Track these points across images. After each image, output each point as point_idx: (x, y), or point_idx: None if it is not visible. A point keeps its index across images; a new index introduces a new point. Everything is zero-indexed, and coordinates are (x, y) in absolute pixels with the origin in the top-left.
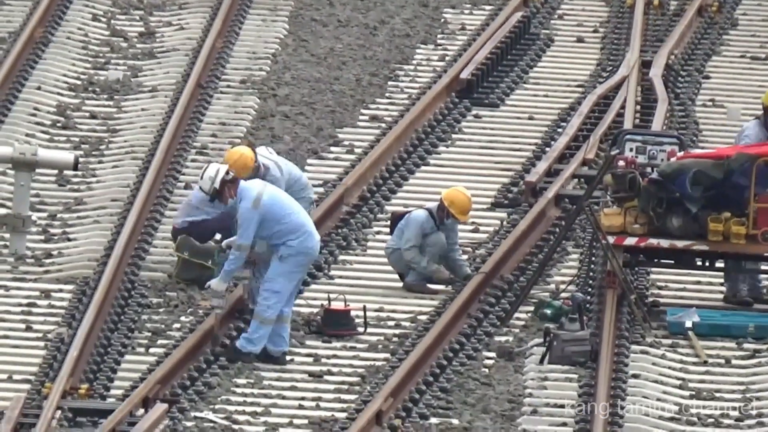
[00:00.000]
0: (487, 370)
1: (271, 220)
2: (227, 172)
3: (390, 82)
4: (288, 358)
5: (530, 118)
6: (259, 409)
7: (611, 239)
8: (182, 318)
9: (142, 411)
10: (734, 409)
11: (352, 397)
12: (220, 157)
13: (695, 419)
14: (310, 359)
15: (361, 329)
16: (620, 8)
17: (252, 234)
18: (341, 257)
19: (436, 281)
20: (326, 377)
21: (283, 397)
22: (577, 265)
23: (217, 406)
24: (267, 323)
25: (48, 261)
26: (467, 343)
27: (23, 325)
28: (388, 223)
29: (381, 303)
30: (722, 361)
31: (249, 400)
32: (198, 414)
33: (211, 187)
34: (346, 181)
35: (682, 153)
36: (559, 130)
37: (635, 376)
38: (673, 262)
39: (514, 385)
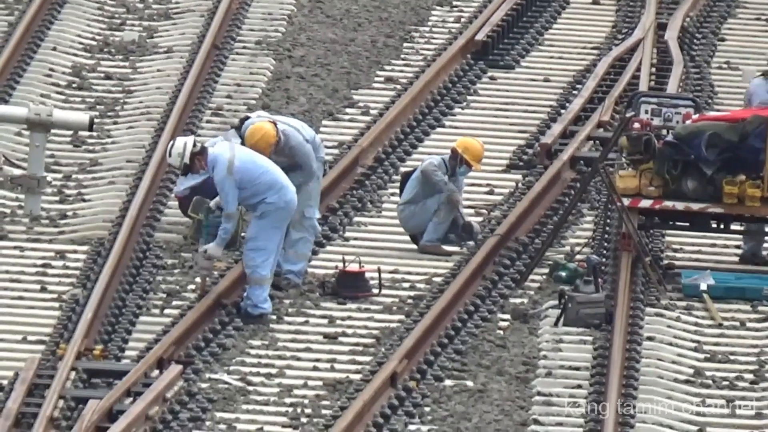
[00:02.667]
0: (501, 332)
1: (247, 181)
2: (194, 144)
3: (405, 44)
4: (303, 319)
5: (546, 80)
6: (273, 371)
7: (626, 201)
8: (197, 279)
9: (156, 372)
10: (749, 371)
11: (367, 358)
12: (236, 118)
13: (710, 382)
14: (325, 321)
15: (375, 291)
16: None
17: (234, 199)
18: (356, 219)
19: (453, 205)
20: (341, 339)
21: (298, 359)
22: (592, 228)
23: (231, 368)
24: (264, 282)
25: (63, 222)
26: (482, 305)
27: (38, 286)
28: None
29: (396, 265)
30: (737, 323)
31: (263, 361)
32: (213, 375)
33: (181, 162)
34: (361, 142)
35: (697, 115)
36: (575, 92)
37: (650, 339)
38: (688, 224)
39: (528, 347)
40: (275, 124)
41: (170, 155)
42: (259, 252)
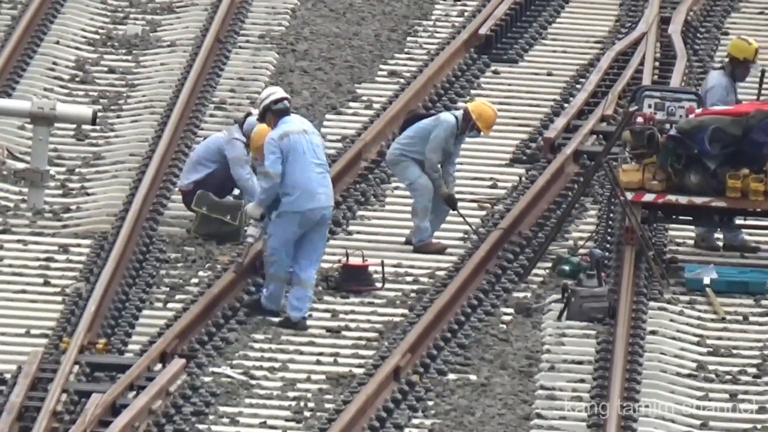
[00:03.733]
0: (505, 326)
1: (284, 160)
2: (277, 101)
3: (409, 38)
4: (306, 313)
5: (549, 74)
6: (276, 365)
7: (629, 195)
8: (200, 273)
9: (159, 366)
10: (752, 365)
11: (370, 352)
12: (239, 112)
13: (713, 376)
14: (328, 315)
15: (379, 285)
16: None
17: (277, 162)
18: (359, 212)
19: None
20: (344, 333)
21: (301, 353)
22: (595, 222)
23: (234, 362)
24: (274, 280)
25: (66, 216)
26: (485, 299)
27: (41, 280)
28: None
29: (399, 258)
30: (740, 317)
31: (267, 355)
32: (216, 369)
33: (260, 107)
34: (364, 136)
35: (700, 109)
36: (578, 86)
37: (653, 333)
38: (691, 218)
39: (532, 342)
40: None
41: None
42: (273, 249)
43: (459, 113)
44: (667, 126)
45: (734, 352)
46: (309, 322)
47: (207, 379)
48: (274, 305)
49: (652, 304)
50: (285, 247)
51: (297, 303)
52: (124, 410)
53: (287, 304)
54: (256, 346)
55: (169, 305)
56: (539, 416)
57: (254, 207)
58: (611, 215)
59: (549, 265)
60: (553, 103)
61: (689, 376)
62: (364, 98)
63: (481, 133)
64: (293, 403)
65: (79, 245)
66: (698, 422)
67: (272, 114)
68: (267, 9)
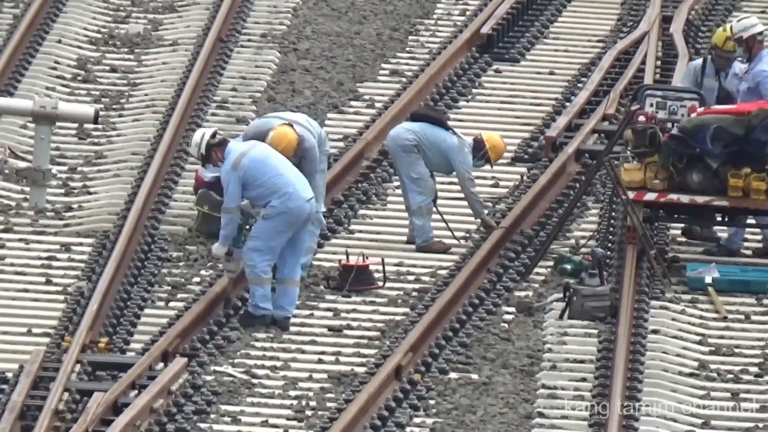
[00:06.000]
0: (506, 325)
1: (252, 180)
2: (213, 135)
3: (410, 37)
4: (308, 312)
5: (551, 73)
6: (278, 364)
7: (631, 194)
8: (202, 272)
9: (161, 365)
10: (753, 364)
11: (372, 351)
12: (241, 111)
13: (714, 375)
14: (330, 314)
15: (380, 284)
16: None
17: (235, 195)
18: (361, 211)
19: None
20: (346, 332)
21: (303, 352)
22: (597, 221)
23: (236, 360)
24: (260, 283)
25: (68, 214)
26: (487, 298)
27: (43, 279)
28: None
29: (401, 257)
30: (742, 316)
31: (268, 354)
32: (217, 368)
33: (198, 152)
34: (366, 135)
35: (702, 109)
36: (580, 85)
37: (655, 332)
38: (693, 217)
39: (533, 341)
40: (293, 126)
41: (189, 145)
42: (257, 252)
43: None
44: (669, 125)
45: (736, 351)
46: (311, 321)
47: (209, 377)
48: (262, 309)
49: (653, 303)
50: (270, 251)
51: (280, 301)
52: (126, 409)
53: (272, 302)
54: (258, 344)
55: (171, 304)
56: (541, 415)
57: (218, 247)
58: (613, 214)
59: (551, 264)
60: (555, 102)
61: (691, 375)
62: (366, 97)
63: (488, 165)
64: (295, 402)
65: (81, 244)
66: (700, 421)
67: (216, 149)
68: (269, 8)
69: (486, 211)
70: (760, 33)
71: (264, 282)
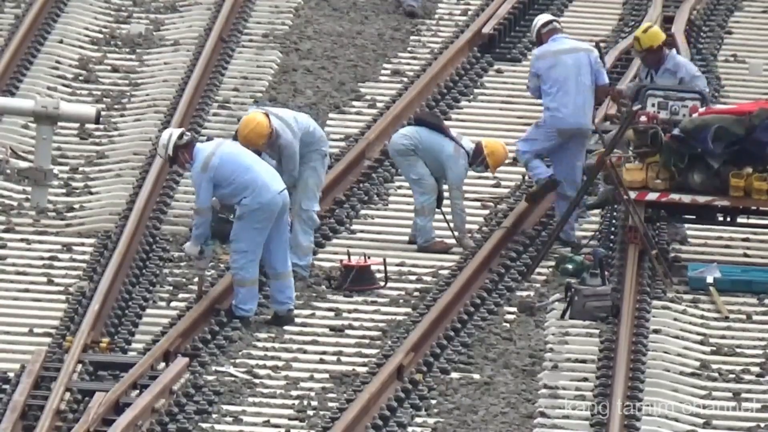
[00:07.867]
0: (508, 325)
1: (223, 179)
2: (180, 136)
3: (412, 37)
4: (309, 312)
5: None
6: (279, 364)
7: (633, 194)
8: (195, 280)
9: (163, 365)
10: (755, 364)
11: (373, 351)
12: (242, 111)
13: (716, 375)
14: (331, 313)
15: (382, 284)
16: None
17: (205, 197)
18: (363, 211)
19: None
20: (347, 331)
21: (304, 352)
22: (598, 221)
23: (237, 360)
24: (247, 284)
25: (70, 214)
26: (488, 298)
27: (44, 279)
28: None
29: (402, 257)
30: (743, 316)
31: (270, 354)
32: (219, 368)
33: (166, 153)
34: (368, 135)
35: (704, 109)
36: None
37: (656, 332)
38: (694, 217)
39: (535, 340)
40: (268, 116)
41: (157, 146)
42: (240, 254)
43: (470, 147)
44: (671, 125)
45: (737, 350)
46: (312, 321)
47: (210, 377)
48: (247, 310)
49: (655, 302)
50: (254, 249)
51: (280, 297)
52: (128, 409)
53: (271, 300)
54: (260, 344)
55: (173, 304)
56: (542, 415)
57: (191, 246)
58: (614, 214)
59: (552, 263)
60: None
61: (692, 375)
62: (368, 97)
63: (488, 170)
64: (296, 402)
65: (82, 244)
66: (701, 421)
67: (183, 150)
68: (270, 8)
69: (469, 234)
70: None
71: (246, 283)
